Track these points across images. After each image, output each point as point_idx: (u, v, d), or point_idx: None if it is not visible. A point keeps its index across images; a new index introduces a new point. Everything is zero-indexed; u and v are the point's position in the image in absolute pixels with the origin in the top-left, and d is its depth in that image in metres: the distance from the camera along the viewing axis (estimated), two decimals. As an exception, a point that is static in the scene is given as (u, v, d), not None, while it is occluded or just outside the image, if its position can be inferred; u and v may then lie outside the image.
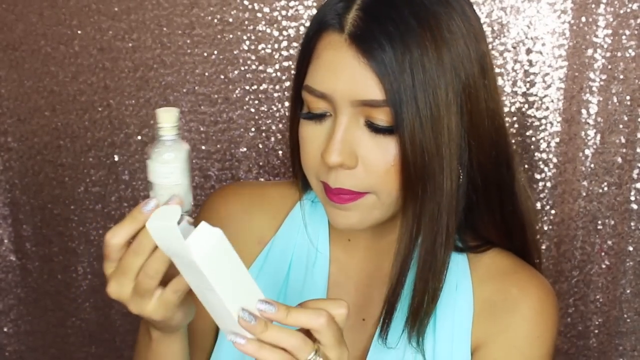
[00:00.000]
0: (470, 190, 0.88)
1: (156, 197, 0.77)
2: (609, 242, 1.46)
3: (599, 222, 1.45)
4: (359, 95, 0.79)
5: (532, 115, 1.41)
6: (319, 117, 0.83)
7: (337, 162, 0.81)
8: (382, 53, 0.78)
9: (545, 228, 1.46)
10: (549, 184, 1.44)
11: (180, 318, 0.81)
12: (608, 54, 1.37)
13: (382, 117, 0.80)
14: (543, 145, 1.42)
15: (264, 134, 1.47)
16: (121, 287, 0.77)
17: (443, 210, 0.83)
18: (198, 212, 1.04)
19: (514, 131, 1.41)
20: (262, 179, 1.49)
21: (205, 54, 1.44)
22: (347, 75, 0.80)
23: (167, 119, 0.76)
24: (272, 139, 1.47)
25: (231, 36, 1.43)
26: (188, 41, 1.44)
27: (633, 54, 1.36)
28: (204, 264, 0.69)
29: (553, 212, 1.45)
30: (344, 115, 0.81)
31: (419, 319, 0.88)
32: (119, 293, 0.77)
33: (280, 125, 1.46)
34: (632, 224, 1.44)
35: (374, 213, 0.85)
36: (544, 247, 1.47)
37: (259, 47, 1.43)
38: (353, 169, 0.82)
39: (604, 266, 1.47)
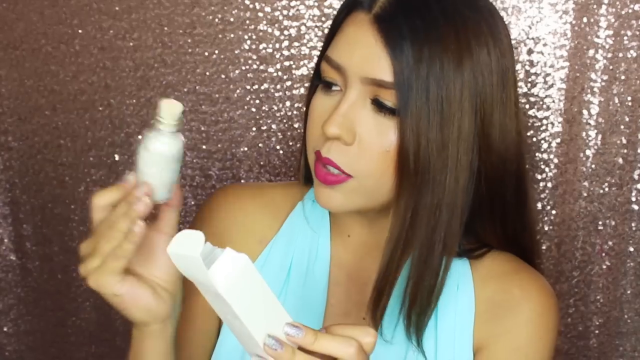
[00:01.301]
0: (475, 197, 0.88)
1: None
2: (610, 243, 1.46)
3: (600, 222, 1.45)
4: (370, 73, 0.80)
5: (533, 115, 1.41)
6: (329, 85, 0.84)
7: (335, 133, 0.81)
8: (401, 40, 0.79)
9: (546, 228, 1.46)
10: (549, 185, 1.44)
11: (142, 306, 0.84)
12: (609, 55, 1.37)
13: (389, 98, 0.81)
14: (544, 146, 1.42)
15: (264, 134, 1.47)
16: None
17: (443, 207, 0.83)
18: (197, 212, 1.04)
19: (515, 131, 1.41)
20: (263, 179, 1.49)
21: (206, 54, 1.44)
22: (362, 51, 0.81)
23: (169, 113, 0.75)
24: (273, 138, 1.47)
25: (232, 36, 1.43)
26: (189, 40, 1.44)
27: (634, 54, 1.36)
28: (228, 294, 0.67)
29: (554, 212, 1.45)
30: (352, 90, 0.82)
31: (413, 313, 0.88)
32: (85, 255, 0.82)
33: (282, 125, 1.46)
34: (633, 224, 1.44)
35: (356, 199, 0.85)
36: (544, 247, 1.46)
37: (260, 47, 1.43)
38: (348, 146, 0.82)
39: (604, 267, 1.47)
